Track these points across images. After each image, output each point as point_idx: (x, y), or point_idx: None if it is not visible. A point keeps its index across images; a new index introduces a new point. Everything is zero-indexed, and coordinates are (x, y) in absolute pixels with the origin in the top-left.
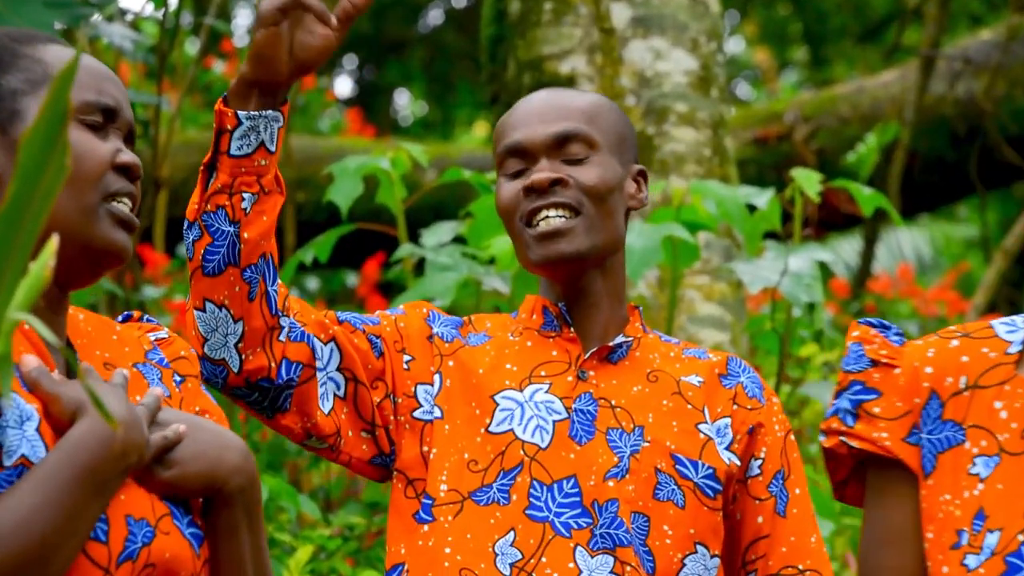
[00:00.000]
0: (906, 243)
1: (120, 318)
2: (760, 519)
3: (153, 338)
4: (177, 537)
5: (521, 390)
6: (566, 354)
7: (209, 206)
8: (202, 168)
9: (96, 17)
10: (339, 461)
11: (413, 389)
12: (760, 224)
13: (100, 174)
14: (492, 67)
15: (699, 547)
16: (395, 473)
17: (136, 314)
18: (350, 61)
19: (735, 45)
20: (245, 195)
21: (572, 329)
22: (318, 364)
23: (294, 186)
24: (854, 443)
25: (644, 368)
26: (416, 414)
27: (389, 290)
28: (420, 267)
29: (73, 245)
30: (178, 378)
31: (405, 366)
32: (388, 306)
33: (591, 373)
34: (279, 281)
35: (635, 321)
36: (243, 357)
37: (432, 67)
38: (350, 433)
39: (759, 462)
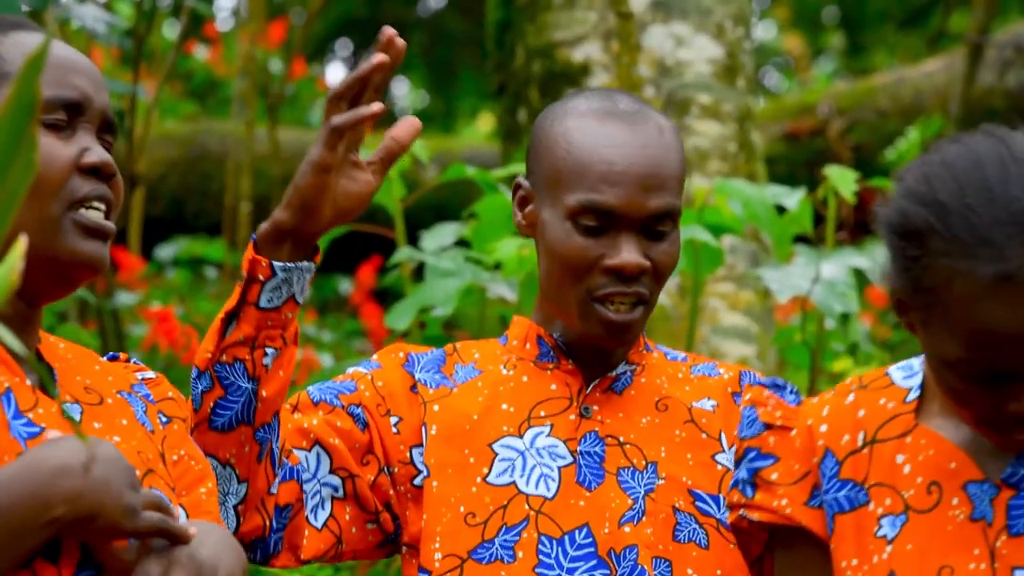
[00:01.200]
0: None
1: (106, 357)
2: None
3: (140, 376)
4: None
5: (520, 435)
6: (566, 388)
7: (225, 357)
8: (222, 315)
9: None
10: (343, 559)
11: (408, 454)
12: (790, 227)
13: (61, 181)
14: (498, 54)
15: None
16: (404, 548)
17: (123, 355)
18: (343, 46)
19: (765, 31)
20: (268, 350)
21: (571, 361)
22: (305, 475)
23: (282, 183)
24: (754, 515)
25: (652, 396)
26: (415, 482)
27: (385, 298)
28: (419, 272)
29: (38, 260)
30: (164, 417)
31: (394, 429)
32: (383, 315)
33: (595, 408)
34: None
35: (639, 346)
36: (240, 519)
37: (433, 53)
38: (353, 530)
39: None
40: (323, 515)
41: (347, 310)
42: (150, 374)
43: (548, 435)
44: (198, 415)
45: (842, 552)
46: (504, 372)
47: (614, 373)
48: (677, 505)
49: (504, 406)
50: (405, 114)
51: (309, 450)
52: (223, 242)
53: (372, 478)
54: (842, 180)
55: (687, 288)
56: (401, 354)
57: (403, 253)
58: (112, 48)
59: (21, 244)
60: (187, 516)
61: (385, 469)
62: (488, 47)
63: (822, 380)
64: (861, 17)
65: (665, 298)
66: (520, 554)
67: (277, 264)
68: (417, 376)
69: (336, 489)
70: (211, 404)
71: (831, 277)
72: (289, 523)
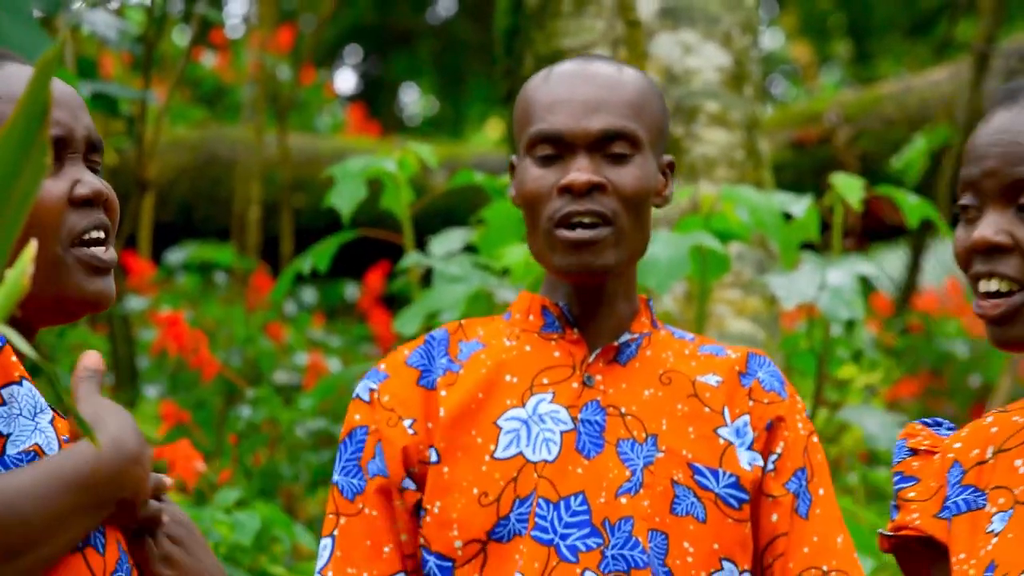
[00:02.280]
0: None
1: None
2: (775, 517)
3: None
4: None
5: (523, 405)
6: (570, 357)
7: None
8: None
9: (78, 4)
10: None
11: (427, 452)
12: (797, 234)
13: (57, 218)
14: (507, 61)
15: (725, 563)
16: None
17: None
18: (353, 53)
19: (772, 39)
20: None
21: (576, 330)
22: None
23: (291, 189)
24: (890, 532)
25: (656, 369)
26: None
27: (393, 303)
28: (427, 278)
29: (44, 299)
30: None
31: (410, 431)
32: (391, 321)
33: (598, 378)
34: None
35: (643, 315)
36: None
37: (442, 60)
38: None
39: (775, 457)
40: None
41: (355, 315)
42: None
43: (550, 402)
44: None
45: (955, 548)
46: (507, 343)
47: (617, 343)
48: (676, 478)
49: (508, 377)
50: (415, 121)
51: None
52: (232, 247)
53: (412, 488)
54: (848, 188)
55: (694, 294)
56: (407, 351)
57: (411, 258)
58: (123, 54)
59: (32, 248)
60: None
61: (405, 482)
62: (497, 54)
63: (828, 387)
64: (868, 25)
65: (671, 304)
66: (530, 524)
67: None
68: (423, 376)
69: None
70: None
71: (837, 284)
72: None
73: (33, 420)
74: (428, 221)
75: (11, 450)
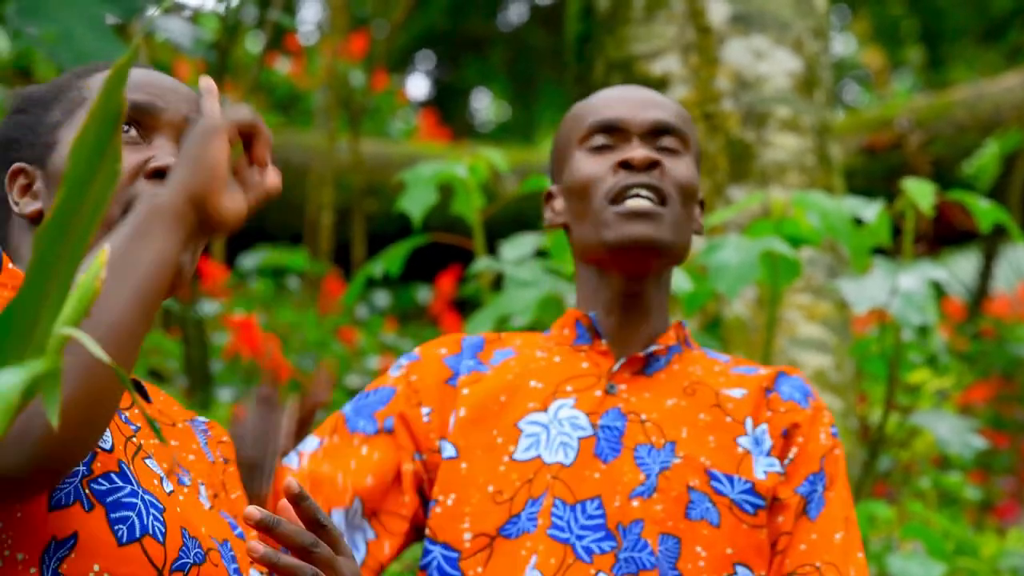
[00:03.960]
0: None
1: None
2: (781, 519)
3: (197, 418)
4: (222, 573)
5: (545, 409)
6: (596, 367)
7: None
8: None
9: (152, 11)
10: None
11: (438, 443)
12: (868, 239)
13: (124, 187)
14: (578, 67)
15: (739, 568)
16: (428, 530)
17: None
18: (425, 59)
19: (843, 44)
20: None
21: (604, 341)
22: (344, 523)
23: (363, 194)
24: None
25: (682, 381)
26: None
27: (464, 307)
28: (498, 283)
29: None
30: (222, 457)
31: (425, 419)
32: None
33: (622, 387)
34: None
35: (670, 331)
36: None
37: (514, 66)
38: (397, 551)
39: (786, 462)
40: (358, 556)
41: (427, 319)
42: (203, 418)
43: (572, 407)
44: None
45: None
46: (538, 355)
47: (643, 353)
48: (691, 484)
49: (533, 383)
50: (487, 127)
51: (349, 507)
52: (305, 252)
53: (411, 468)
54: (920, 193)
55: (765, 299)
56: (444, 349)
57: (482, 263)
58: (197, 61)
59: (104, 254)
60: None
61: (417, 455)
62: (568, 60)
63: (899, 391)
64: (940, 31)
65: (743, 308)
66: (540, 521)
67: None
68: (453, 367)
69: (366, 532)
70: None
71: (909, 289)
72: None
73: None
74: (499, 226)
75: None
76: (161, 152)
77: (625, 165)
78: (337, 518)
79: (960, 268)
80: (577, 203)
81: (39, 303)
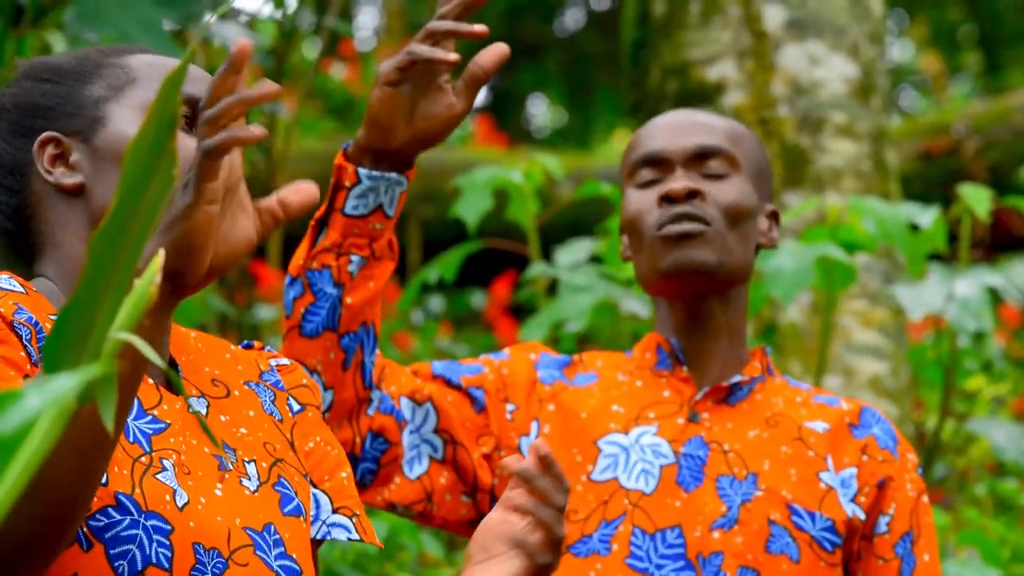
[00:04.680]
0: None
1: (242, 344)
2: None
3: (274, 363)
4: (258, 569)
5: (626, 433)
6: (679, 395)
7: (315, 264)
8: (312, 222)
9: (209, 17)
10: (432, 525)
11: (517, 442)
12: (924, 245)
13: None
14: (634, 72)
15: None
16: None
17: (257, 344)
18: None
19: (901, 50)
20: (354, 258)
21: (685, 368)
22: (409, 427)
23: (419, 200)
24: None
25: (764, 412)
26: None
27: (519, 313)
28: (553, 288)
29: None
30: (297, 405)
31: (508, 416)
32: (517, 330)
33: (704, 415)
34: (377, 351)
35: (755, 361)
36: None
37: (570, 72)
38: (448, 497)
39: (887, 519)
40: (419, 469)
41: (481, 325)
42: (284, 360)
43: (654, 435)
44: (290, 321)
45: None
46: (620, 378)
47: (727, 383)
48: (773, 518)
49: (615, 407)
50: (543, 133)
51: (420, 404)
52: None
53: (487, 452)
54: (977, 199)
55: (820, 305)
56: (533, 354)
57: (537, 269)
58: (254, 67)
59: (159, 258)
60: (331, 502)
61: (498, 450)
62: (624, 65)
63: (955, 398)
64: (998, 36)
65: (798, 315)
66: (615, 547)
67: (362, 171)
68: (540, 374)
69: (436, 449)
70: (301, 310)
71: (965, 295)
72: (382, 460)
73: None
74: (554, 231)
75: None
76: None
77: (666, 198)
78: (406, 408)
79: (1017, 274)
80: (632, 238)
81: (94, 307)
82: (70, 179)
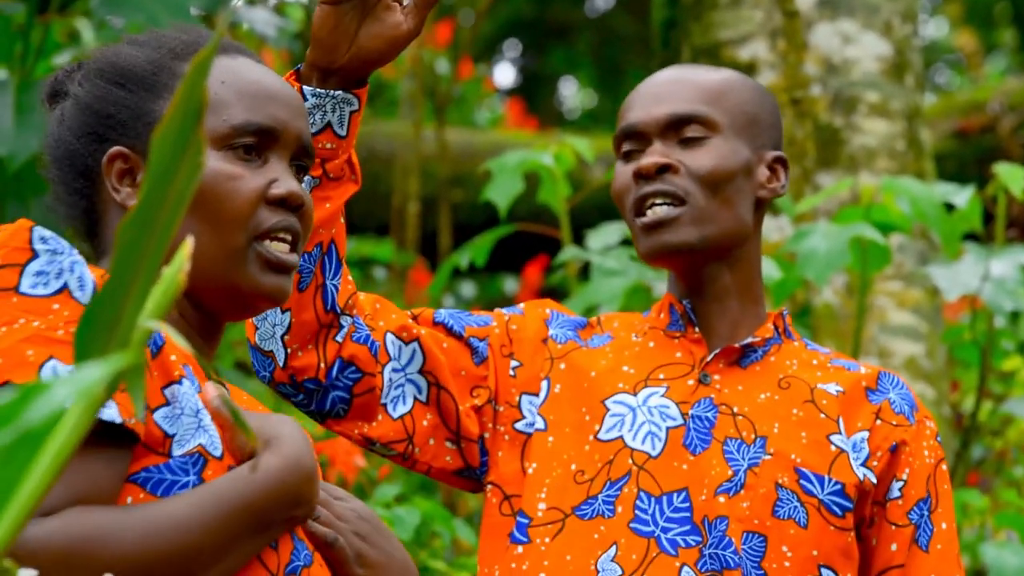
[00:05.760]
0: None
1: None
2: (894, 547)
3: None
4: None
5: (635, 393)
6: (690, 356)
7: None
8: None
9: (237, 1)
10: (416, 470)
11: (517, 399)
12: (959, 225)
13: (249, 212)
14: (665, 53)
15: (824, 570)
16: (489, 486)
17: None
18: (511, 47)
19: (935, 28)
20: (305, 178)
21: (697, 329)
22: (392, 363)
23: (449, 184)
24: None
25: (776, 374)
26: (517, 426)
27: (551, 296)
28: (585, 272)
29: (220, 288)
30: None
31: (511, 372)
32: None
33: (715, 377)
34: (344, 276)
35: (770, 322)
36: (288, 351)
37: (600, 53)
38: (431, 441)
39: (900, 484)
40: (402, 408)
41: None
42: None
43: (662, 395)
44: None
45: None
46: (633, 339)
47: (739, 344)
48: (780, 481)
49: (625, 368)
50: (573, 115)
51: (407, 343)
52: (391, 242)
53: (478, 404)
54: (1012, 177)
55: (854, 286)
56: (547, 310)
57: (569, 252)
58: (282, 51)
59: (188, 245)
60: None
61: (492, 402)
62: (654, 46)
63: (992, 379)
64: None
65: (832, 296)
66: (619, 508)
67: (306, 89)
68: (551, 331)
69: (420, 390)
70: None
71: (1001, 275)
72: (355, 390)
73: (196, 418)
74: (586, 215)
75: (176, 451)
76: (282, 176)
77: (638, 175)
78: (391, 345)
79: None
80: (621, 212)
81: (123, 296)
82: (133, 201)
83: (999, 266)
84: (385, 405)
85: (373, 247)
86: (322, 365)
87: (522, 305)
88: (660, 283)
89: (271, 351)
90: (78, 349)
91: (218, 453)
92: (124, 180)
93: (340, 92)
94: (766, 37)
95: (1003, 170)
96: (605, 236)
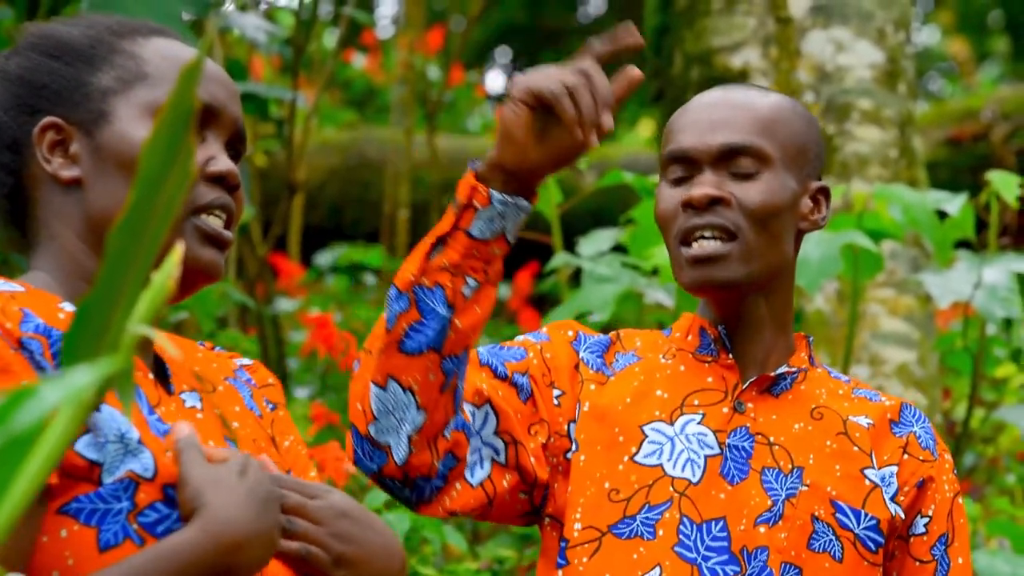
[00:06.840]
0: None
1: (198, 343)
2: None
3: (238, 363)
4: None
5: (672, 423)
6: (722, 382)
7: (427, 281)
8: (431, 239)
9: (227, 7)
10: (485, 520)
11: (566, 428)
12: (951, 232)
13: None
14: (657, 60)
15: None
16: (547, 519)
17: (208, 344)
18: (503, 53)
19: (929, 35)
20: (470, 280)
21: (731, 355)
22: (471, 438)
23: (440, 190)
24: None
25: (808, 404)
26: (567, 455)
27: (542, 303)
28: (576, 278)
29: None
30: (268, 403)
31: (556, 402)
32: (540, 321)
33: (749, 405)
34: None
35: (801, 351)
36: (411, 450)
37: None
38: (507, 497)
39: (926, 520)
40: (480, 474)
41: (505, 315)
42: (246, 360)
43: (699, 423)
44: (390, 335)
45: None
46: (662, 361)
47: (773, 374)
48: (817, 514)
49: (658, 392)
50: None
51: (478, 407)
52: (381, 249)
53: (542, 442)
54: (1005, 185)
55: (846, 293)
56: (571, 332)
57: (560, 259)
58: (272, 56)
59: (178, 252)
60: None
61: (551, 438)
62: (647, 53)
63: (984, 386)
64: None
65: (824, 303)
66: (661, 532)
67: (495, 194)
68: (581, 355)
69: (497, 452)
70: (405, 326)
71: (993, 282)
72: (450, 476)
73: (122, 443)
74: (577, 221)
75: (107, 479)
76: (219, 155)
77: (688, 205)
78: (469, 414)
79: None
80: (663, 235)
81: (112, 302)
82: (68, 172)
83: (991, 273)
84: (464, 473)
85: (363, 253)
86: (435, 463)
87: (544, 330)
88: (652, 289)
89: (388, 445)
90: (67, 354)
91: (149, 475)
92: (56, 151)
93: (525, 201)
94: (759, 44)
95: (996, 178)
96: (596, 242)
